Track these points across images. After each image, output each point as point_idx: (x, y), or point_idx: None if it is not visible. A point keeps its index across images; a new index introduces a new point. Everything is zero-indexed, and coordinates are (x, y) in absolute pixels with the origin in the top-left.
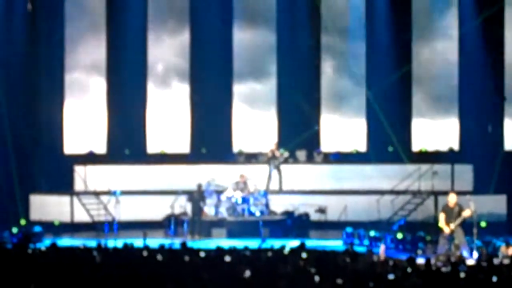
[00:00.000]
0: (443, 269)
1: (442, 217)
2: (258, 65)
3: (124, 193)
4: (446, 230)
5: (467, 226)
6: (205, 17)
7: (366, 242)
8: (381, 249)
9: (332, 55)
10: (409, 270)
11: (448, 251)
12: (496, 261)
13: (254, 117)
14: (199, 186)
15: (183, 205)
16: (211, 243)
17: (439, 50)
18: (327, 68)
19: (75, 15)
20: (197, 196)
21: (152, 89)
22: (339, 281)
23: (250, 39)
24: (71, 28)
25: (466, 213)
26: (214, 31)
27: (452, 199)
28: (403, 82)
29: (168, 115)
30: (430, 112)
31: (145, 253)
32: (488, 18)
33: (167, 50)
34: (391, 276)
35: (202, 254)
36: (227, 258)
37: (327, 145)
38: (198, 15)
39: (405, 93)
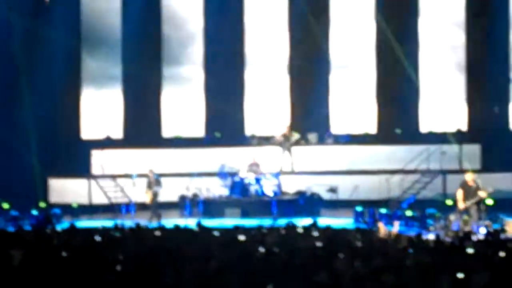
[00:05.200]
0: (451, 244)
1: (460, 192)
2: (268, 50)
3: (140, 176)
4: (461, 205)
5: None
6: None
7: (376, 220)
8: (395, 225)
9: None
10: (418, 246)
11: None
12: (503, 236)
13: (267, 101)
14: (151, 171)
15: (198, 187)
16: (225, 223)
17: (445, 33)
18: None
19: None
20: (152, 181)
21: (168, 74)
22: (348, 256)
23: (261, 26)
24: (87, 15)
25: (482, 193)
26: (227, 17)
27: (470, 177)
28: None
29: (183, 99)
30: (437, 94)
31: (157, 233)
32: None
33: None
34: (401, 254)
35: (216, 233)
36: (241, 237)
37: (337, 127)
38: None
39: (412, 76)
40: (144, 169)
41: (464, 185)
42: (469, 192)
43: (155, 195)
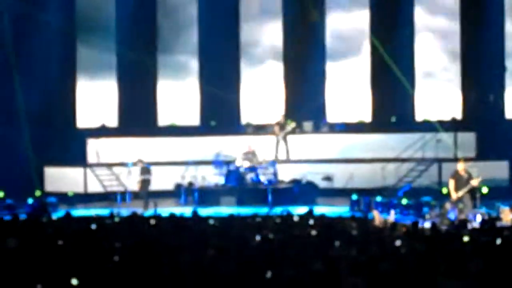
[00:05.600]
0: (447, 233)
1: (451, 183)
2: (265, 35)
3: (135, 164)
4: (453, 195)
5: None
6: None
7: (372, 208)
8: (391, 214)
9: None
10: (414, 234)
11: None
12: (499, 224)
13: (262, 90)
14: (140, 161)
15: (193, 175)
16: (221, 211)
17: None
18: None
19: None
20: (141, 169)
21: (163, 62)
22: (344, 244)
23: (256, 13)
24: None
25: (474, 182)
26: (221, 4)
27: (461, 166)
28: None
29: (178, 88)
30: (432, 82)
31: (152, 221)
32: None
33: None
34: (397, 242)
35: (211, 222)
36: (237, 225)
37: (333, 116)
38: None
39: (407, 64)
40: (140, 157)
41: (456, 175)
42: (461, 182)
43: (145, 183)
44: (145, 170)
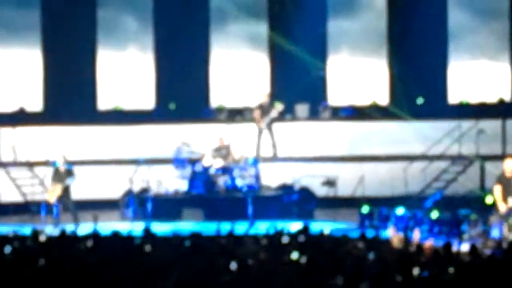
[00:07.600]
0: (492, 258)
1: (497, 190)
2: None
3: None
4: (502, 207)
5: None
6: None
7: (389, 224)
8: (415, 234)
9: None
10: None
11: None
12: None
13: (239, 62)
14: (64, 157)
15: (146, 179)
16: (184, 228)
17: None
18: None
19: None
20: (62, 171)
21: (104, 24)
22: (348, 275)
23: None
24: None
25: None
26: None
27: (509, 166)
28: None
29: (125, 60)
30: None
31: (90, 243)
32: None
33: None
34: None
35: (170, 243)
36: (205, 248)
37: (336, 96)
38: None
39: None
40: (71, 153)
41: (502, 178)
42: (509, 187)
43: (66, 191)
44: (66, 172)
